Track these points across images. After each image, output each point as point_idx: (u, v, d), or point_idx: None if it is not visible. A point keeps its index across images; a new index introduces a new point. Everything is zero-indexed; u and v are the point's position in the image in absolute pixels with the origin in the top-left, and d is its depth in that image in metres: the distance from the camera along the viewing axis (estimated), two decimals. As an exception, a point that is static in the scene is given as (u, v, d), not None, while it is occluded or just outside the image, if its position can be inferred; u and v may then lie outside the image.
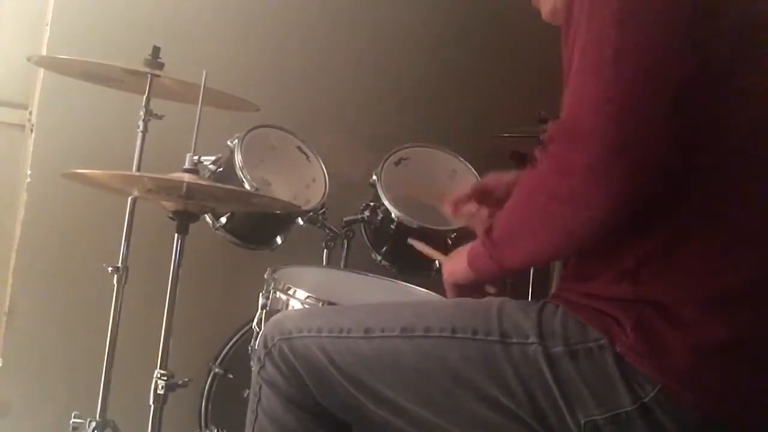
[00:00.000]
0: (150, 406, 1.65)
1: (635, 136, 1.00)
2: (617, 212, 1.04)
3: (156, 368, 1.65)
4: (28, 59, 2.01)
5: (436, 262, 2.10)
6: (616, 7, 1.03)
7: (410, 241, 1.89)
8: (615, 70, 1.01)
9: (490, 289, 1.37)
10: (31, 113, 2.39)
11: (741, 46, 1.10)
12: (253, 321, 1.70)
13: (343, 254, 2.22)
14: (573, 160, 1.03)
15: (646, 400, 1.06)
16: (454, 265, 1.31)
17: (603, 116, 1.00)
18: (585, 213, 1.05)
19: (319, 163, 2.18)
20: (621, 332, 1.07)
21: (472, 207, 1.53)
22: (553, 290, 2.66)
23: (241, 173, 1.97)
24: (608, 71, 1.01)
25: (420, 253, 1.78)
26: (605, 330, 1.08)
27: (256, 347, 1.39)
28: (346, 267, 2.20)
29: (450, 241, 2.05)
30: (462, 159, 2.27)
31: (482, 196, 1.53)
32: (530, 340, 1.12)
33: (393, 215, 2.07)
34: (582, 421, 1.08)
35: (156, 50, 1.90)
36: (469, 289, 1.31)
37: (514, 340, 1.13)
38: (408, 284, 1.93)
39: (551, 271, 2.75)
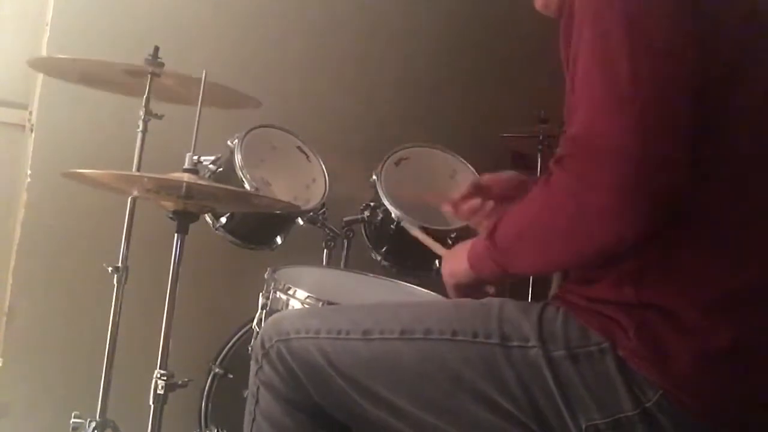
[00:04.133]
0: (150, 406, 1.65)
1: (660, 154, 0.99)
2: (646, 230, 1.03)
3: (156, 368, 1.65)
4: (28, 62, 2.01)
5: (436, 262, 2.10)
6: (622, 14, 1.02)
7: (413, 231, 1.88)
8: (633, 89, 1.00)
9: (490, 289, 1.36)
10: (31, 113, 2.39)
11: (746, 44, 1.10)
12: (253, 321, 1.70)
13: (343, 254, 2.22)
14: (600, 179, 1.01)
15: (647, 404, 1.05)
16: (455, 265, 1.30)
17: (626, 134, 0.99)
18: (615, 231, 1.03)
19: (319, 163, 2.18)
20: (623, 336, 1.06)
21: (475, 202, 1.52)
22: (553, 291, 2.67)
23: (241, 173, 1.97)
24: (626, 89, 1.00)
25: (421, 244, 1.77)
26: (607, 333, 1.07)
27: (254, 348, 1.38)
28: (346, 267, 2.20)
29: (450, 241, 2.04)
30: (462, 159, 2.27)
31: (481, 193, 1.52)
32: (531, 344, 1.11)
33: (393, 215, 2.06)
34: (583, 425, 1.08)
35: (156, 50, 1.90)
36: (470, 288, 1.30)
37: (515, 343, 1.12)
38: (408, 284, 1.93)
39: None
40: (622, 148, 0.99)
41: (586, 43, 1.05)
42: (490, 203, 1.51)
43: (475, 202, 1.52)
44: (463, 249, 1.28)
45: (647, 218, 1.02)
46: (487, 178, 1.57)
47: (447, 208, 1.57)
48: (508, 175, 1.54)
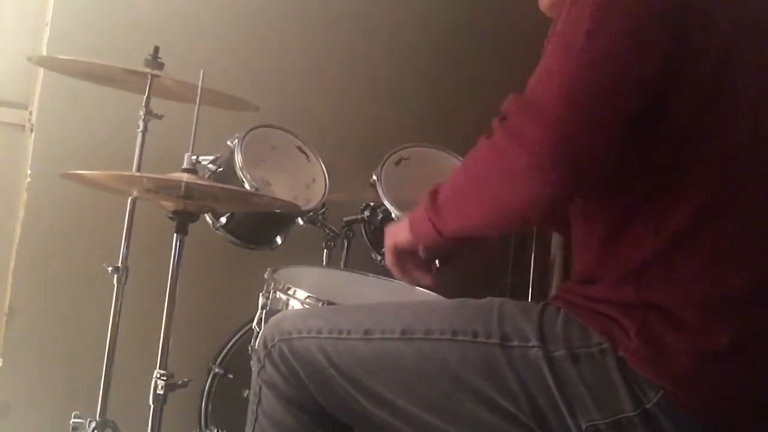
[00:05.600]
0: (150, 406, 1.65)
1: (589, 127, 1.02)
2: (557, 198, 1.05)
3: (156, 368, 1.65)
4: (29, 59, 2.01)
5: (436, 261, 2.10)
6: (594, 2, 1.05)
7: None
8: (579, 60, 1.03)
9: (423, 255, 1.33)
10: (31, 113, 2.39)
11: (736, 46, 1.10)
12: (253, 321, 1.70)
13: (343, 254, 2.22)
14: (531, 138, 1.03)
15: (648, 405, 1.05)
16: (397, 227, 1.32)
17: (563, 101, 1.02)
18: (530, 190, 1.05)
19: (319, 163, 2.17)
20: (624, 336, 1.06)
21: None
22: (553, 291, 2.67)
23: (241, 173, 1.97)
24: (574, 60, 1.03)
25: None
26: (608, 334, 1.08)
27: (256, 348, 1.38)
28: (346, 267, 2.20)
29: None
30: (462, 159, 2.27)
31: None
32: (531, 344, 1.11)
33: (393, 215, 2.06)
34: (583, 426, 1.08)
35: (156, 50, 1.90)
36: (405, 252, 1.31)
37: (515, 343, 1.13)
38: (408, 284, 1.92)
39: (551, 271, 2.75)
40: (553, 109, 1.02)
41: (560, 23, 1.08)
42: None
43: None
44: (408, 214, 1.29)
45: (569, 180, 1.03)
46: None
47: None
48: None
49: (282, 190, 2.12)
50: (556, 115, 1.01)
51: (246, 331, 2.18)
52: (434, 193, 1.20)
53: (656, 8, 1.05)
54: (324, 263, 2.19)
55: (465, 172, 1.19)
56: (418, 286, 1.49)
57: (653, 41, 1.04)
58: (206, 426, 2.28)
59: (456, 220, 1.19)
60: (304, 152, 2.18)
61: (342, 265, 2.21)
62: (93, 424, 1.90)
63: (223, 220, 2.06)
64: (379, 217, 2.12)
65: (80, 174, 1.58)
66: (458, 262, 1.39)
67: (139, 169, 1.96)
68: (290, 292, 1.62)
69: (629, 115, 1.04)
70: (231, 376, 2.25)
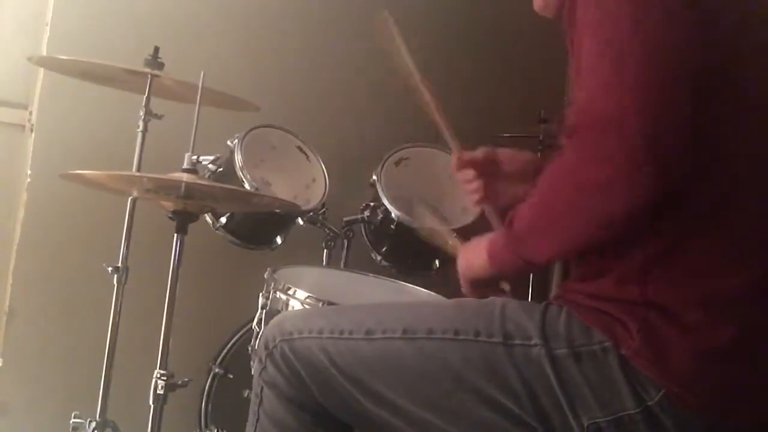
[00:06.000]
0: (150, 406, 1.65)
1: (667, 123, 1.00)
2: (653, 200, 1.03)
3: (156, 368, 1.65)
4: (29, 59, 2.01)
5: (436, 261, 2.10)
6: None
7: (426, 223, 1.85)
8: (637, 59, 1.01)
9: (505, 286, 1.34)
10: (31, 113, 2.39)
11: (741, 45, 1.10)
12: (253, 321, 1.70)
13: (343, 254, 2.23)
14: (609, 148, 1.01)
15: (650, 403, 1.05)
16: (472, 258, 1.27)
17: (630, 106, 1.00)
18: (623, 201, 1.03)
19: (319, 163, 2.18)
20: (626, 335, 1.06)
21: (468, 174, 1.50)
22: (553, 290, 2.67)
23: (241, 173, 1.97)
24: (629, 59, 1.01)
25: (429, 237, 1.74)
26: (610, 332, 1.08)
27: (257, 348, 1.38)
28: (346, 267, 2.20)
29: (450, 241, 2.04)
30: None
31: (489, 164, 1.49)
32: (533, 342, 1.11)
33: (393, 215, 2.07)
34: (585, 424, 1.08)
35: (156, 50, 1.90)
36: (485, 283, 1.28)
37: (517, 342, 1.12)
38: (408, 284, 1.93)
39: (551, 271, 2.75)
40: (626, 120, 1.00)
41: (591, 24, 1.06)
42: (479, 184, 1.49)
43: (469, 173, 1.50)
44: (481, 242, 1.25)
45: (651, 188, 1.02)
46: (504, 152, 1.53)
47: (453, 160, 1.53)
48: (525, 156, 1.52)
49: (282, 190, 2.12)
50: (632, 125, 0.99)
51: (246, 331, 2.18)
52: (511, 223, 1.16)
53: (683, 7, 1.05)
54: (324, 263, 2.19)
55: (544, 197, 1.15)
56: None
57: (691, 34, 1.04)
58: (206, 426, 2.28)
59: (546, 248, 1.14)
60: (304, 152, 2.19)
61: (342, 265, 2.21)
62: (93, 424, 1.90)
63: (223, 220, 2.07)
64: (379, 217, 2.13)
65: (80, 174, 1.58)
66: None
67: (138, 169, 1.96)
68: (290, 292, 1.62)
69: (695, 104, 1.02)
70: (231, 376, 2.26)
